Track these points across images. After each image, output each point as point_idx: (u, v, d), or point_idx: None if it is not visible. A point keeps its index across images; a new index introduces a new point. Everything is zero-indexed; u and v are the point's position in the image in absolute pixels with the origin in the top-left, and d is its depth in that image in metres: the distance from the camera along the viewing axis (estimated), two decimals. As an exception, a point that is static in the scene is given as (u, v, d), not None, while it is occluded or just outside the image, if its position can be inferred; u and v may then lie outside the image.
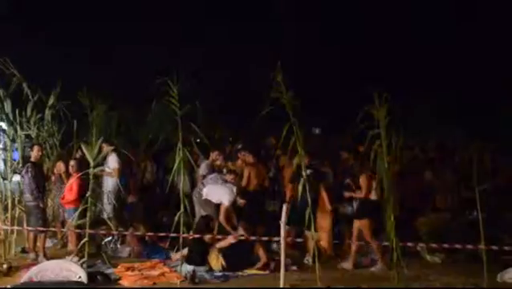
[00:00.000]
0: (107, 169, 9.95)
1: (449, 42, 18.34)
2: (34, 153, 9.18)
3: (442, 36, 18.58)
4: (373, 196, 8.63)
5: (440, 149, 12.62)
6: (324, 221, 9.00)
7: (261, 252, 8.61)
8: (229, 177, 9.95)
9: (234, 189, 9.70)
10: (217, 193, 9.75)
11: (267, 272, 8.39)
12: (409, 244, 7.97)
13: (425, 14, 19.19)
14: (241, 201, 9.57)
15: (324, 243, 8.93)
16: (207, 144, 10.03)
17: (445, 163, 11.59)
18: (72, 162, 9.49)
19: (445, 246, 8.09)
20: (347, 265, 8.58)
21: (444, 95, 16.00)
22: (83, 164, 9.27)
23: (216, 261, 8.37)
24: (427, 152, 12.23)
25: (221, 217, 9.35)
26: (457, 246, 7.88)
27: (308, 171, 8.04)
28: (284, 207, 7.45)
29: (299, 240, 8.73)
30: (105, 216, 9.73)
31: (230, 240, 8.53)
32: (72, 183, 9.09)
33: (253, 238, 8.90)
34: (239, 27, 19.21)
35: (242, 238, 8.33)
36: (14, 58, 9.82)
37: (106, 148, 9.71)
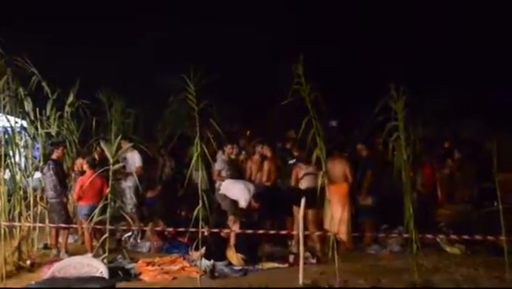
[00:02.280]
0: (130, 167, 10.09)
1: (466, 34, 18.12)
2: (58, 152, 9.33)
3: (459, 28, 18.36)
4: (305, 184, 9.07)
5: (459, 141, 12.54)
6: (343, 214, 9.00)
7: None
8: (229, 150, 10.14)
9: (252, 187, 9.73)
10: (235, 189, 9.80)
11: (286, 265, 8.43)
12: (429, 236, 7.95)
13: (444, 5, 18.99)
14: (254, 205, 9.58)
15: (343, 236, 8.93)
16: (223, 138, 10.08)
17: (465, 154, 11.50)
18: (81, 160, 9.63)
19: (465, 237, 8.05)
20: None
21: (461, 87, 15.87)
22: (98, 161, 9.40)
23: (235, 258, 8.41)
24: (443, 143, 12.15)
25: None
26: (478, 237, 7.84)
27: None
28: (302, 201, 7.47)
29: (318, 233, 8.76)
30: (128, 211, 9.87)
31: (234, 234, 8.55)
32: (79, 180, 9.21)
33: (272, 232, 8.96)
34: (256, 20, 19.16)
35: (250, 231, 8.35)
36: (32, 57, 9.92)
37: (125, 144, 9.82)
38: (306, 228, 8.00)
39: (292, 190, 9.41)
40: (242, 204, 9.55)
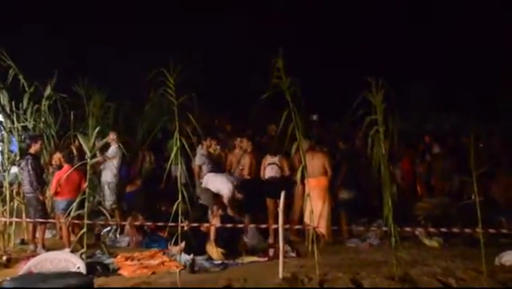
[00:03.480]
0: (105, 157, 9.99)
1: (447, 26, 18.27)
2: (36, 146, 9.20)
3: (439, 20, 18.51)
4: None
5: (439, 134, 12.67)
6: (323, 208, 9.03)
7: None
8: (208, 144, 10.21)
9: (234, 179, 9.73)
10: (216, 182, 9.78)
11: (266, 259, 8.44)
12: (408, 229, 8.00)
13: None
14: (238, 195, 9.58)
15: (323, 229, 8.96)
16: (201, 133, 10.05)
17: (445, 148, 11.61)
18: (58, 154, 9.52)
19: (443, 230, 8.14)
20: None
21: (441, 81, 16.00)
22: (77, 155, 9.30)
23: (215, 252, 8.39)
24: (423, 137, 12.26)
25: (229, 208, 9.42)
26: (455, 229, 7.93)
27: None
28: (282, 195, 7.47)
29: (298, 227, 8.79)
30: (107, 206, 9.79)
31: (213, 229, 8.52)
32: (56, 175, 9.11)
33: (252, 225, 8.97)
34: (239, 15, 19.12)
35: (229, 225, 8.35)
36: (10, 49, 9.77)
37: (112, 136, 9.79)
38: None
39: (262, 182, 9.69)
40: (226, 193, 9.52)
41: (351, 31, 18.97)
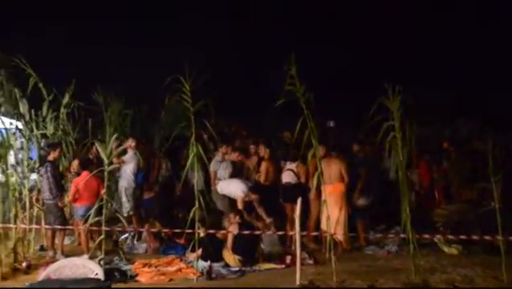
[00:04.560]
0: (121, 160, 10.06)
1: (465, 32, 18.14)
2: (55, 154, 9.29)
3: (457, 26, 18.38)
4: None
5: (455, 140, 12.53)
6: (340, 214, 8.99)
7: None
8: (234, 156, 10.16)
9: (248, 183, 9.76)
10: (231, 186, 9.81)
11: (283, 266, 8.41)
12: (426, 236, 7.92)
13: (442, 4, 19.02)
14: (252, 197, 9.59)
15: (340, 236, 8.91)
16: (217, 139, 10.09)
17: (461, 153, 11.48)
18: (77, 161, 9.60)
19: (462, 237, 8.03)
20: None
21: (459, 86, 15.86)
22: (95, 162, 9.37)
23: (232, 259, 8.39)
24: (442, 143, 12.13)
25: (240, 208, 9.45)
26: (475, 237, 7.82)
27: None
28: (298, 201, 7.45)
29: (315, 234, 8.75)
30: (124, 213, 9.84)
31: (231, 236, 8.52)
32: (74, 181, 9.19)
33: (268, 232, 8.95)
34: (249, 22, 19.20)
35: (247, 232, 8.35)
36: (29, 57, 9.90)
37: (130, 143, 9.86)
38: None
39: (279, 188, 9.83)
40: (240, 195, 9.54)
41: (368, 37, 18.91)
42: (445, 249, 8.85)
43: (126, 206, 10.15)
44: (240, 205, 9.54)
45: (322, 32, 19.20)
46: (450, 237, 8.52)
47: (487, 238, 7.55)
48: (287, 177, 9.70)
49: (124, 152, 10.05)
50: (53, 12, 18.93)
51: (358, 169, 9.59)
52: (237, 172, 10.48)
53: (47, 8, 18.84)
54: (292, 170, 9.66)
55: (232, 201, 9.83)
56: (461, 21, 18.36)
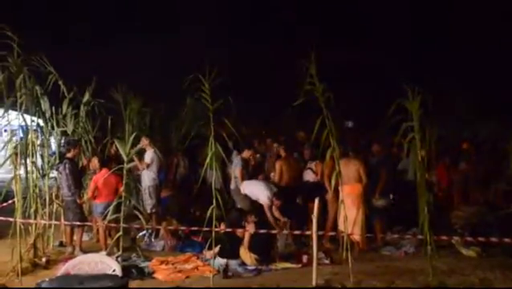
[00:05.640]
0: (143, 163, 10.13)
1: (486, 34, 17.94)
2: (75, 151, 9.39)
3: (477, 28, 18.18)
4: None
5: (474, 141, 12.41)
6: (357, 215, 8.95)
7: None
8: (247, 154, 10.25)
9: (273, 186, 9.75)
10: (255, 190, 9.81)
11: (300, 266, 8.40)
12: (444, 237, 7.85)
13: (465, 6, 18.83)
14: (276, 202, 9.58)
15: (357, 237, 8.88)
16: (238, 138, 10.10)
17: (480, 154, 11.38)
18: (96, 159, 9.68)
19: (481, 239, 7.95)
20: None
21: (480, 89, 15.69)
22: (114, 159, 9.45)
23: (248, 257, 8.41)
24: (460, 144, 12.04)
25: (269, 216, 9.47)
26: (494, 239, 7.74)
27: None
28: (316, 201, 7.43)
29: (332, 233, 8.73)
30: (148, 211, 9.92)
31: (248, 234, 8.51)
32: (93, 178, 9.27)
33: (285, 231, 8.95)
34: (269, 21, 19.21)
35: (263, 231, 8.35)
36: (49, 55, 9.99)
37: (145, 141, 9.94)
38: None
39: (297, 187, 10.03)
40: (265, 202, 9.56)
41: (388, 37, 18.80)
42: (463, 251, 8.77)
43: (149, 203, 10.24)
44: (268, 213, 9.53)
45: (340, 31, 19.13)
46: (468, 239, 8.43)
47: (506, 240, 7.47)
48: (306, 176, 9.98)
49: (143, 151, 10.13)
50: (74, 11, 19.12)
51: (377, 169, 9.55)
52: (257, 170, 10.54)
53: (69, 7, 19.04)
54: (311, 169, 9.85)
55: (253, 201, 9.84)
56: (483, 21, 18.16)
